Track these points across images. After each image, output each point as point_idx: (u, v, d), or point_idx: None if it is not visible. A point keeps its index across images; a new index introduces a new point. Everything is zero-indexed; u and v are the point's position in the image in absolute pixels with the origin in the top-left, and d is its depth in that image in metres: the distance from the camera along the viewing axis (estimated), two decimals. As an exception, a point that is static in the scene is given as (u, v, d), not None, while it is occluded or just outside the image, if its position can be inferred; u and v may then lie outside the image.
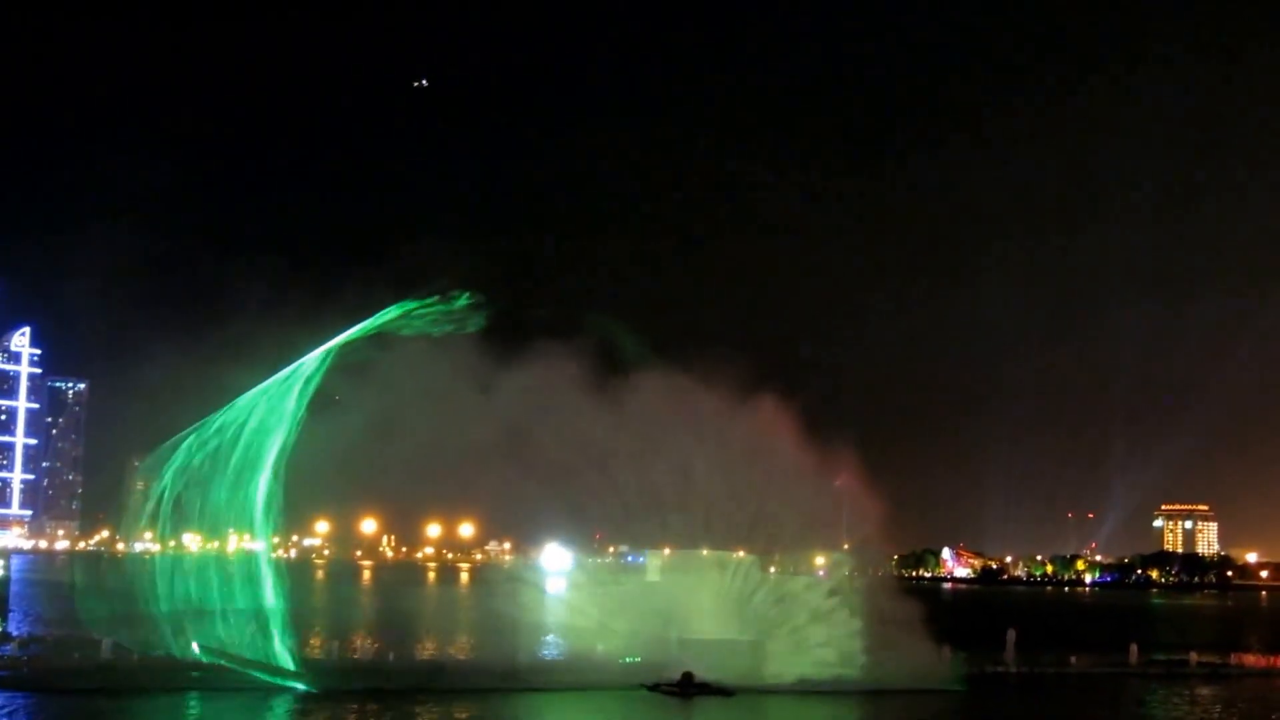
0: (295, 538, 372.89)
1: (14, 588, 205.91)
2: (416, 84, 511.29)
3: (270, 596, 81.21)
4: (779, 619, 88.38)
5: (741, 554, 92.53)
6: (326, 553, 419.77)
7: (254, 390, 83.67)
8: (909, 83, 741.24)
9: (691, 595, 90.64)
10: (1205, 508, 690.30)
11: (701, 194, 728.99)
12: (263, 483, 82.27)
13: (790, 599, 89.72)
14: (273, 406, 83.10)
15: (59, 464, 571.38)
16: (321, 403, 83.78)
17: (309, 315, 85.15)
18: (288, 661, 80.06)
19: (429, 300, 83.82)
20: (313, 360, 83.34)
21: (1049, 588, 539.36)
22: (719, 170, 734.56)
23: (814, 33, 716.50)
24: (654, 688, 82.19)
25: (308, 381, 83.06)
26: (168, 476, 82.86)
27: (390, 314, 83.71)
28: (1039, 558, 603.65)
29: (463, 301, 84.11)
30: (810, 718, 79.69)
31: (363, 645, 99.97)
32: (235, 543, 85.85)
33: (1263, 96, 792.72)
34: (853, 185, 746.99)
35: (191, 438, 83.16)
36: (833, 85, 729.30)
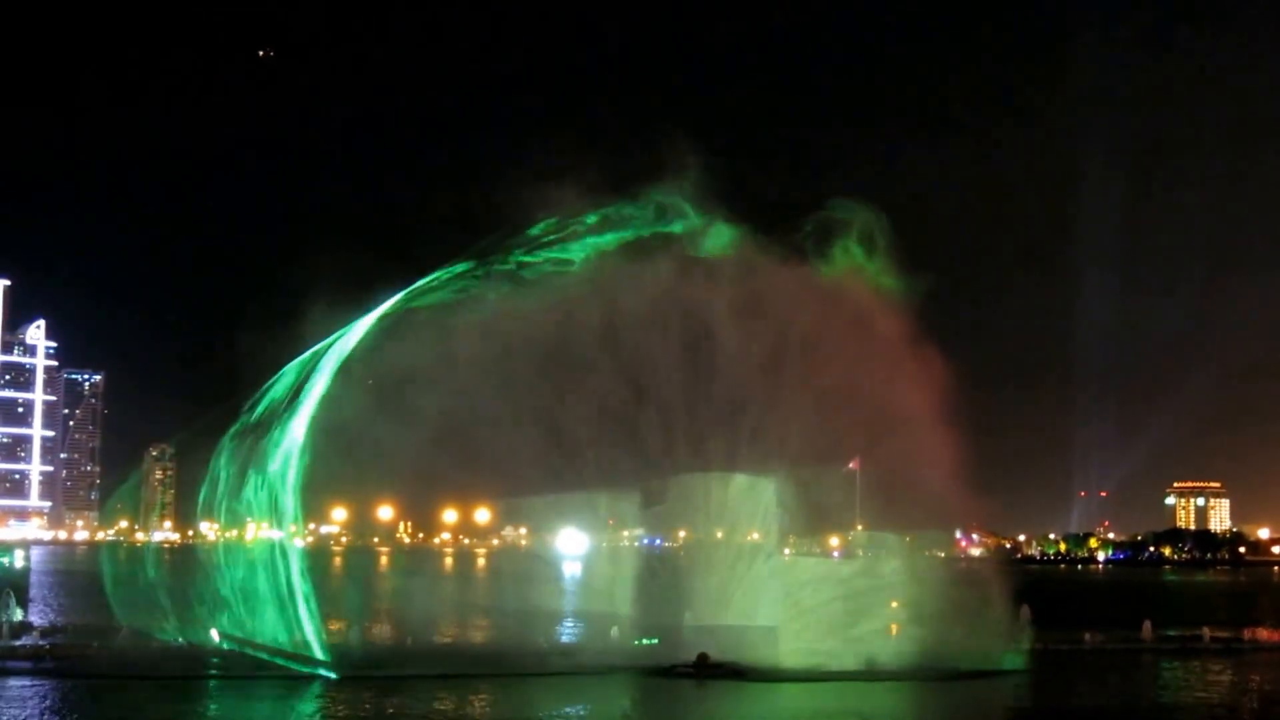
0: (313, 525, 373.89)
1: (34, 578, 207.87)
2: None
3: (294, 582, 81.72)
4: (804, 603, 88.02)
5: (756, 536, 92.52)
6: (344, 539, 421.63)
7: (288, 367, 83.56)
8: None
9: (707, 580, 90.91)
10: (1217, 484, 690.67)
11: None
12: (293, 468, 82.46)
13: (815, 582, 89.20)
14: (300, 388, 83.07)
15: (76, 455, 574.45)
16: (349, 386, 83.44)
17: (331, 298, 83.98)
18: (306, 648, 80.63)
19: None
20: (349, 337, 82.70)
21: (1062, 566, 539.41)
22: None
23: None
24: (669, 669, 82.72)
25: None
26: (217, 465, 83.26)
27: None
28: (1052, 536, 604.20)
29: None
30: (826, 697, 79.87)
31: (381, 631, 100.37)
32: (254, 530, 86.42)
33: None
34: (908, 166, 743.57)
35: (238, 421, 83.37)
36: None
